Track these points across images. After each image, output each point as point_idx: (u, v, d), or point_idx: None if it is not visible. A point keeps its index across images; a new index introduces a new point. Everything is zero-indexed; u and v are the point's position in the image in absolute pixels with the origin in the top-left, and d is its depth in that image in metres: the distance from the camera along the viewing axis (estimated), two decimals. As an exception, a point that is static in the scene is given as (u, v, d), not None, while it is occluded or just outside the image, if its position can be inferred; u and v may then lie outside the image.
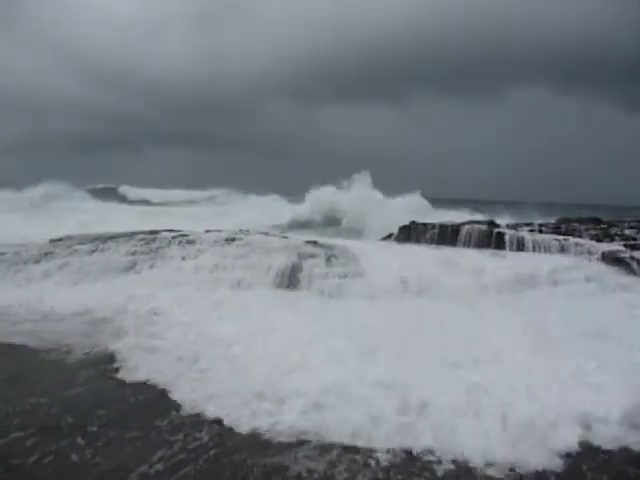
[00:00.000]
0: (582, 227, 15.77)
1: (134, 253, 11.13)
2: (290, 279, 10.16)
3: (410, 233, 16.39)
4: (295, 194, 34.15)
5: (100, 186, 53.46)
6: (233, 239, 12.32)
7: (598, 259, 12.33)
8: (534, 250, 13.56)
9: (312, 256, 10.76)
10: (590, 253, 12.61)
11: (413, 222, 17.00)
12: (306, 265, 10.41)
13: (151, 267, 10.74)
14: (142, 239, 11.87)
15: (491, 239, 14.43)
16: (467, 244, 14.63)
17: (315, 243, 12.22)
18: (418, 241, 15.62)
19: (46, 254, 10.99)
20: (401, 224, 16.88)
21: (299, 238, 12.95)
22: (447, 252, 12.95)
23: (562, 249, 13.24)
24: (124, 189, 53.02)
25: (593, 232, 15.16)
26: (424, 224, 16.77)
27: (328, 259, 10.63)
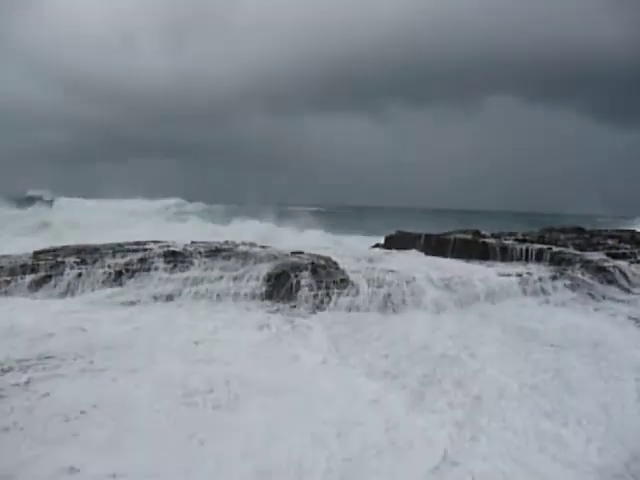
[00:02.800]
0: (565, 236, 15.97)
1: (117, 265, 11.04)
2: (275, 291, 10.15)
3: (396, 242, 16.52)
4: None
5: (32, 194, 49.71)
6: (219, 250, 12.29)
7: (581, 268, 12.49)
8: (518, 259, 13.73)
9: (298, 267, 10.75)
10: (573, 263, 12.77)
11: (398, 231, 17.14)
12: (292, 276, 10.41)
13: (134, 280, 10.66)
14: (127, 250, 11.78)
15: (477, 249, 14.57)
16: (453, 254, 14.76)
17: (301, 254, 12.23)
18: (404, 250, 15.73)
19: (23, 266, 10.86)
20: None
21: (285, 249, 12.95)
22: (433, 262, 13.06)
23: (546, 258, 13.41)
24: (62, 200, 49.15)
25: (576, 241, 15.36)
26: (410, 233, 16.91)
27: (314, 270, 10.63)
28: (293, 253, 12.27)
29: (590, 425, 5.01)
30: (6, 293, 10.09)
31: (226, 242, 13.99)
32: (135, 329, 7.97)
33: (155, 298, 9.83)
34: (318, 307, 9.65)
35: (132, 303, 9.63)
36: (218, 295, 10.00)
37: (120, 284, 10.62)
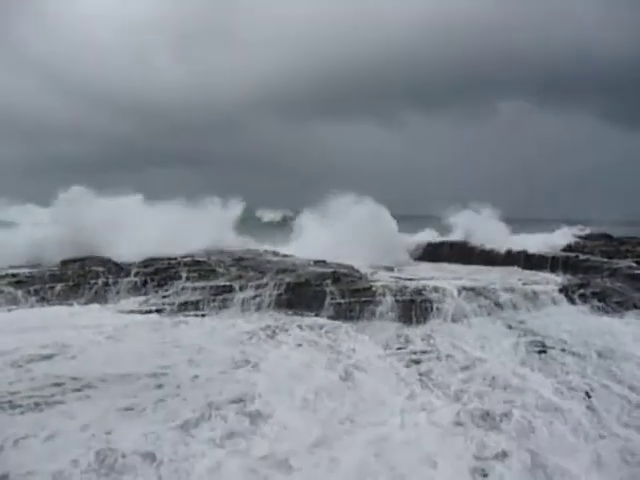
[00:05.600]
0: (592, 244, 15.65)
1: (142, 274, 11.19)
2: (298, 300, 10.15)
3: (425, 252, 16.44)
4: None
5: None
6: (242, 259, 12.39)
7: (609, 276, 12.22)
8: (544, 267, 13.51)
9: (320, 276, 10.74)
10: (601, 270, 12.50)
11: (429, 243, 17.00)
12: (314, 285, 10.40)
13: (159, 289, 10.80)
14: (152, 259, 11.91)
15: (500, 257, 14.41)
16: (479, 263, 14.62)
17: (324, 263, 12.24)
18: (433, 260, 15.66)
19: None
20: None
21: (308, 258, 12.96)
22: (456, 270, 12.94)
23: (573, 266, 13.16)
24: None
25: (604, 249, 15.03)
26: (432, 242, 16.79)
27: (336, 279, 10.60)
28: (316, 262, 12.28)
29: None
30: (37, 302, 10.29)
31: (249, 250, 14.10)
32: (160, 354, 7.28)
33: (180, 307, 9.92)
34: (341, 316, 9.62)
35: (157, 312, 9.75)
36: (242, 304, 10.04)
37: (145, 293, 10.77)
